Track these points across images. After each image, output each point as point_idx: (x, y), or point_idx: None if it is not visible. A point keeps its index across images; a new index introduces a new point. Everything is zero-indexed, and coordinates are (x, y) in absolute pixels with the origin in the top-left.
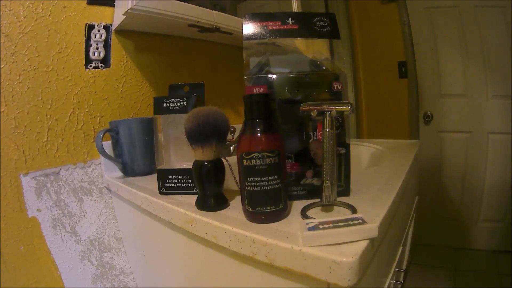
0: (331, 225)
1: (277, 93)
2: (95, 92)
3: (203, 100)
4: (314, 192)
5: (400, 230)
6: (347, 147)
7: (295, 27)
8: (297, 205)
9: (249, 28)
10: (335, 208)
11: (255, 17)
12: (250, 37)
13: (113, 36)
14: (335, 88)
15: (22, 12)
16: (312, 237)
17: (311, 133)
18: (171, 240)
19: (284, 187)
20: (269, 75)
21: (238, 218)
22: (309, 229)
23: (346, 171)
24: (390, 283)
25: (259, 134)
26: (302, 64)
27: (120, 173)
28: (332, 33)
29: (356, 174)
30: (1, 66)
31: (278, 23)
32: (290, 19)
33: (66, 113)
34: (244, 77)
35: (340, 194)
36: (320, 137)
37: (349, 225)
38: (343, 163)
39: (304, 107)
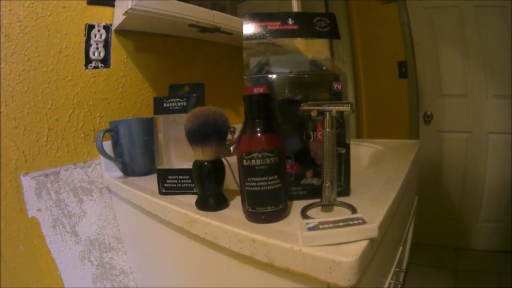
0: (331, 225)
1: (277, 93)
2: (95, 92)
3: (203, 100)
4: (314, 192)
5: (400, 230)
6: (347, 147)
7: (295, 27)
8: (297, 205)
9: (249, 28)
10: (335, 208)
11: (255, 17)
12: (250, 37)
13: (113, 36)
14: (335, 88)
15: (22, 12)
16: (312, 237)
17: (311, 133)
18: (171, 240)
19: (284, 187)
20: (269, 75)
21: (238, 218)
22: (309, 229)
23: (346, 171)
24: (390, 283)
25: (259, 134)
26: (302, 64)
27: (120, 173)
28: (332, 33)
29: (356, 174)
30: (1, 66)
31: (278, 23)
32: (290, 19)
33: (66, 113)
34: (244, 77)
35: (340, 194)
36: (320, 137)
37: (349, 225)
38: (343, 163)
39: (304, 107)
